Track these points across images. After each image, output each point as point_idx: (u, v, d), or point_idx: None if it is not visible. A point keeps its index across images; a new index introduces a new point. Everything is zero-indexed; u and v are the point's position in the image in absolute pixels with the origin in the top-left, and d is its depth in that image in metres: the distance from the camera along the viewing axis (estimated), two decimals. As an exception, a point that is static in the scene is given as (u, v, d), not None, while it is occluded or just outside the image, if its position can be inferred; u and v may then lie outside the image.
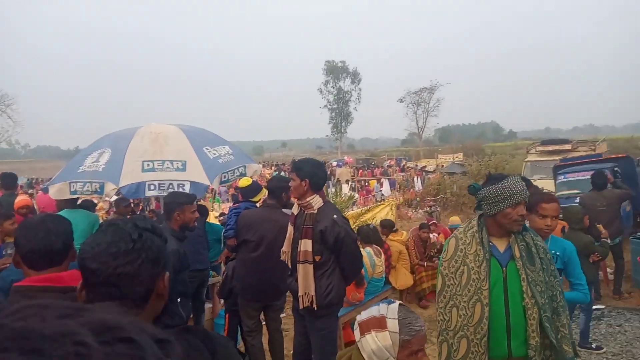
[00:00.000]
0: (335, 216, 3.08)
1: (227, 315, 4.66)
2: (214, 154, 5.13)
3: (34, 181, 31.88)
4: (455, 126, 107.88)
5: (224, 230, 4.98)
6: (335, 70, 61.97)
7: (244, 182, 4.99)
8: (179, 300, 3.13)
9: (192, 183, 4.68)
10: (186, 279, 3.42)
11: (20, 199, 5.02)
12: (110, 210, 11.89)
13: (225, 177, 5.07)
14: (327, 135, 67.28)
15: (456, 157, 33.82)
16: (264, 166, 26.43)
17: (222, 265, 5.49)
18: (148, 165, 4.63)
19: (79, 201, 5.27)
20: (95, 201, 9.64)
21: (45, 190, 4.72)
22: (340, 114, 62.84)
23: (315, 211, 3.11)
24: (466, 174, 16.60)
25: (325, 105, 62.68)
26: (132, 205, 7.31)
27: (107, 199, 4.65)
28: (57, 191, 4.59)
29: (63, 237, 1.69)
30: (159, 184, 4.57)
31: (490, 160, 16.95)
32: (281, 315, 4.56)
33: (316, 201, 3.12)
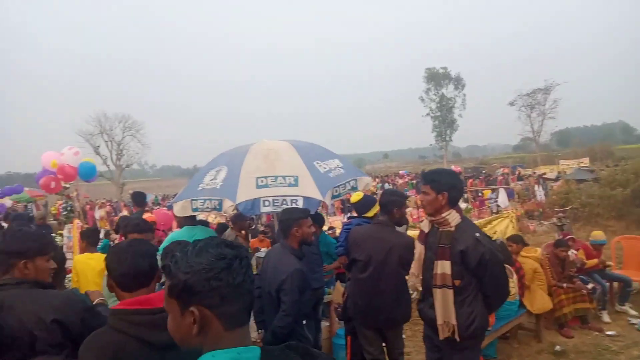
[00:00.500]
0: (477, 234, 2.68)
1: (348, 338, 4.42)
2: (325, 167, 4.98)
3: (160, 198, 35.38)
4: (576, 128, 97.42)
5: (335, 246, 4.80)
6: (436, 77, 60.16)
7: (355, 197, 4.75)
8: (304, 322, 2.99)
9: (305, 198, 4.56)
10: (308, 300, 3.26)
11: (146, 217, 5.34)
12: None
13: (336, 191, 4.89)
14: (430, 145, 65.32)
15: (581, 162, 30.43)
16: (367, 178, 26.30)
17: (338, 282, 5.30)
18: (262, 181, 4.61)
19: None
20: (208, 219, 10.14)
21: (170, 207, 4.93)
22: (444, 121, 60.73)
23: (453, 228, 2.74)
24: (598, 181, 14.61)
25: (428, 114, 61.06)
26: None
27: (225, 214, 4.65)
28: (180, 208, 4.77)
29: (149, 260, 1.77)
30: (273, 200, 4.52)
31: (627, 165, 14.73)
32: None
33: (453, 217, 2.76)
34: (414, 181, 30.22)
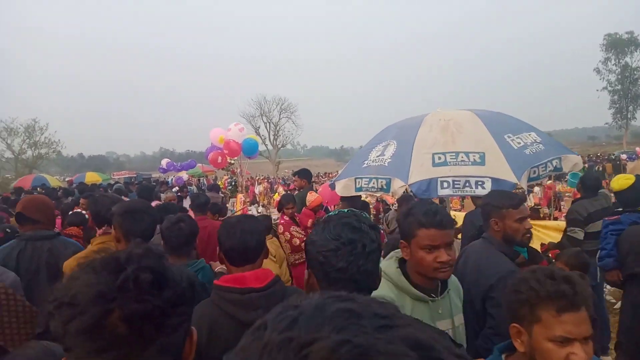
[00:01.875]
0: None
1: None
2: (519, 143, 4.02)
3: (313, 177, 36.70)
4: None
5: (597, 255, 3.78)
6: (619, 44, 50.74)
7: (622, 182, 3.69)
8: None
9: (494, 180, 3.71)
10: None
11: (316, 198, 5.10)
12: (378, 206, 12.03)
13: (534, 172, 3.91)
14: (606, 124, 55.89)
15: None
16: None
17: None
18: (439, 158, 3.88)
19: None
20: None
21: (332, 187, 4.52)
22: (626, 96, 51.18)
23: None
24: None
25: (605, 87, 52.08)
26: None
27: (392, 195, 4.02)
28: (342, 187, 4.33)
29: (257, 236, 1.79)
30: (453, 181, 3.76)
31: None
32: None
33: None
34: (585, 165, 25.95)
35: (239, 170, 9.50)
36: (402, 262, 1.90)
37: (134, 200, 2.75)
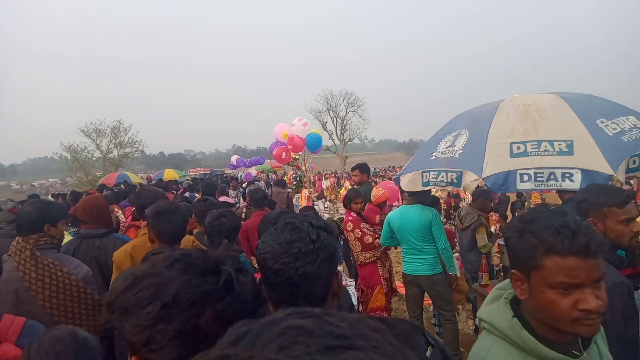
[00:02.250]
0: None
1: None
2: (614, 128, 3.48)
3: (380, 171, 36.28)
4: None
5: None
6: None
7: None
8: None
9: (584, 172, 3.24)
10: None
11: (382, 193, 4.86)
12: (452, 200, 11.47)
13: (635, 162, 3.36)
14: None
15: None
16: None
17: None
18: (518, 148, 3.46)
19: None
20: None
21: (397, 181, 4.23)
22: None
23: None
24: None
25: None
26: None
27: (466, 191, 3.65)
28: (408, 182, 4.02)
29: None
30: (535, 174, 3.33)
31: None
32: None
33: None
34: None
35: (304, 165, 9.44)
36: (515, 304, 1.28)
37: (163, 202, 2.75)
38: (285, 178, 11.21)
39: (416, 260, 4.13)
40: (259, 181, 17.11)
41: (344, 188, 14.60)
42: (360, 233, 4.46)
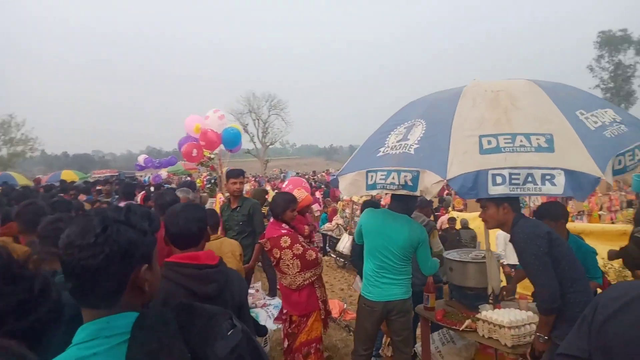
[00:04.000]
0: None
1: None
2: (595, 122, 2.91)
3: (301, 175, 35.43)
4: None
5: None
6: (612, 42, 50.34)
7: None
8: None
9: (568, 173, 2.60)
10: None
11: (305, 196, 3.91)
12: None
13: (620, 162, 2.81)
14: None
15: None
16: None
17: None
18: (489, 142, 2.75)
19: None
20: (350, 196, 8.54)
21: (335, 183, 3.35)
22: (619, 94, 50.97)
23: None
24: None
25: (597, 85, 51.70)
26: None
27: (421, 194, 2.79)
28: (349, 184, 3.16)
29: (198, 224, 1.99)
30: (510, 175, 2.64)
31: None
32: None
33: None
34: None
35: (219, 166, 8.27)
36: None
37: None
38: (198, 180, 9.92)
39: (391, 282, 3.21)
40: (171, 184, 15.51)
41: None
42: (300, 249, 3.47)
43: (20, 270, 0.75)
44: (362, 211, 4.64)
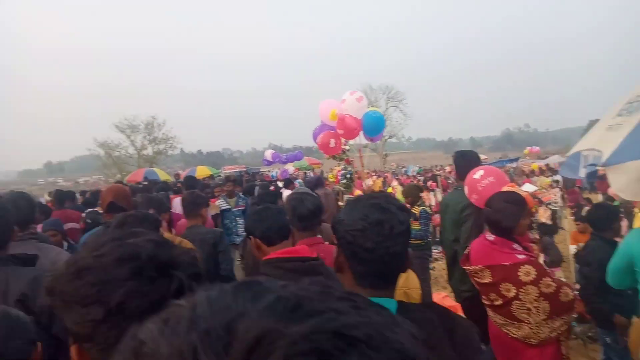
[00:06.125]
0: None
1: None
2: None
3: (424, 170, 33.21)
4: None
5: None
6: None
7: None
8: None
9: None
10: None
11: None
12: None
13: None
14: None
15: None
16: None
17: None
18: None
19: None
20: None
21: (591, 177, 2.01)
22: None
23: None
24: None
25: None
26: None
27: None
28: (636, 181, 1.80)
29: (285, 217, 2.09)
30: None
31: None
32: None
33: None
34: None
35: (360, 157, 7.20)
36: None
37: None
38: (330, 175, 8.99)
39: None
40: (297, 179, 15.13)
41: (391, 187, 12.55)
42: (552, 285, 2.14)
43: (164, 266, 0.68)
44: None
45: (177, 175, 19.33)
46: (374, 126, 5.89)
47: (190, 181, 8.40)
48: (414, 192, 5.46)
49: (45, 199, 12.00)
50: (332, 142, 5.99)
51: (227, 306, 0.33)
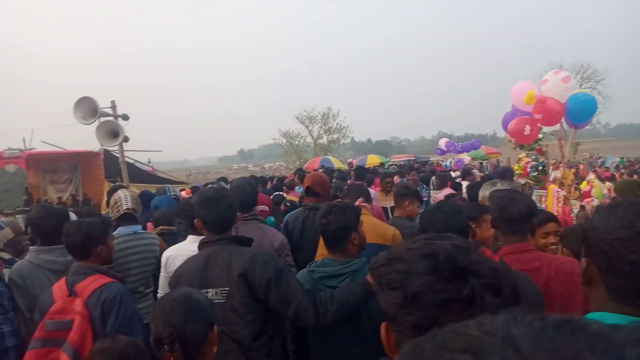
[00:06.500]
0: None
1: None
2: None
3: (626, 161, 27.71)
4: None
5: None
6: None
7: None
8: None
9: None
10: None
11: None
12: None
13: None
14: None
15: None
16: None
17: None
18: None
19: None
20: None
21: None
22: None
23: None
24: None
25: None
26: None
27: None
28: None
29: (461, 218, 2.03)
30: None
31: None
32: None
33: None
34: None
35: (560, 147, 6.27)
36: None
37: (209, 189, 2.44)
38: (516, 167, 8.05)
39: None
40: (473, 169, 14.17)
41: (586, 181, 10.68)
42: None
43: (460, 270, 0.71)
44: None
45: (350, 164, 20.10)
46: (582, 111, 4.98)
47: (360, 171, 8.56)
48: (634, 189, 4.48)
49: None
50: (528, 129, 5.28)
51: (558, 350, 0.31)
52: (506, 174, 7.08)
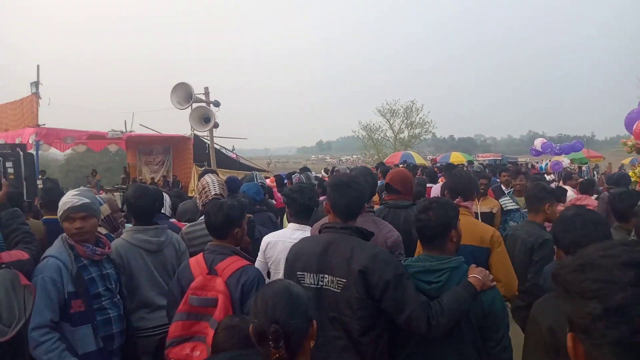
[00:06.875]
0: None
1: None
2: None
3: None
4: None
5: None
6: None
7: None
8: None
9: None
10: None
11: None
12: None
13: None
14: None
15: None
16: None
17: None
18: None
19: None
20: None
21: None
22: None
23: None
24: None
25: None
26: None
27: None
28: None
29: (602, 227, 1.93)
30: None
31: None
32: None
33: None
34: None
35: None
36: None
37: (342, 174, 2.75)
38: (631, 173, 7.07)
39: None
40: (574, 173, 12.89)
41: None
42: None
43: None
44: None
45: (433, 161, 19.31)
46: None
47: (449, 168, 8.02)
48: None
49: (322, 174, 13.63)
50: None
51: None
52: (621, 180, 6.22)
